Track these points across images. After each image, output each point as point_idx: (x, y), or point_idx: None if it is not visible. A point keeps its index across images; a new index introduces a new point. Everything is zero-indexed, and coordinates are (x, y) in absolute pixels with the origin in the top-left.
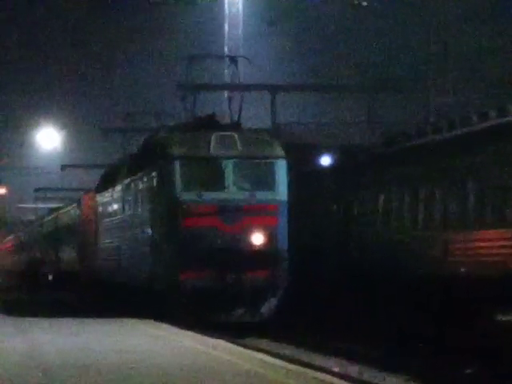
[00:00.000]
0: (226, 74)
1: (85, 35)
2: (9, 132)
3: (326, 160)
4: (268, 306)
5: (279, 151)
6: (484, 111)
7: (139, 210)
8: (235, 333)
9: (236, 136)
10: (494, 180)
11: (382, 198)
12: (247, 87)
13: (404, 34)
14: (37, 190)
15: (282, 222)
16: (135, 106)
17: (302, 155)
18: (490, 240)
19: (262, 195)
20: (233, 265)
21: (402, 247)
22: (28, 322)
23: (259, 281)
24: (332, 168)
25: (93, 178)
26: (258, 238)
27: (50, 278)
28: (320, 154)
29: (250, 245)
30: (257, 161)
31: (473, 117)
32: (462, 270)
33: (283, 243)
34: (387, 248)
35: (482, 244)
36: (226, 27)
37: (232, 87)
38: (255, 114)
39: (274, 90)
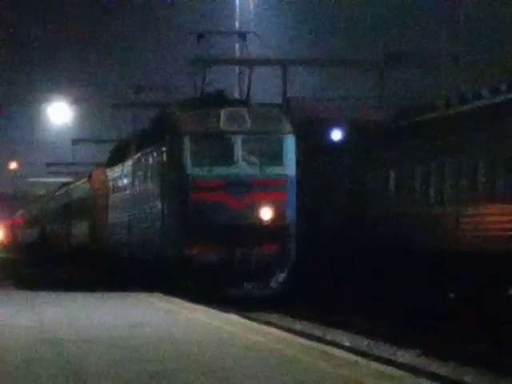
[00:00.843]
0: (237, 50)
1: (97, 11)
2: (20, 106)
3: (337, 135)
4: (276, 280)
5: (288, 127)
6: (495, 85)
7: (149, 184)
8: (246, 307)
9: (245, 111)
10: (505, 154)
11: (393, 173)
12: (258, 62)
13: (416, 7)
14: (48, 165)
15: (291, 196)
16: (146, 81)
17: (314, 130)
18: (501, 214)
19: (270, 170)
20: (241, 239)
21: (414, 222)
22: (39, 297)
23: (267, 255)
24: (344, 143)
25: (104, 152)
26: (266, 213)
27: (62, 252)
28: (332, 128)
29: (259, 219)
30: (266, 136)
31: (484, 91)
32: (474, 244)
33: (291, 218)
34: (399, 223)
35: (493, 218)
36: (237, 1)
37: (243, 62)
38: (268, 88)
39: (285, 64)
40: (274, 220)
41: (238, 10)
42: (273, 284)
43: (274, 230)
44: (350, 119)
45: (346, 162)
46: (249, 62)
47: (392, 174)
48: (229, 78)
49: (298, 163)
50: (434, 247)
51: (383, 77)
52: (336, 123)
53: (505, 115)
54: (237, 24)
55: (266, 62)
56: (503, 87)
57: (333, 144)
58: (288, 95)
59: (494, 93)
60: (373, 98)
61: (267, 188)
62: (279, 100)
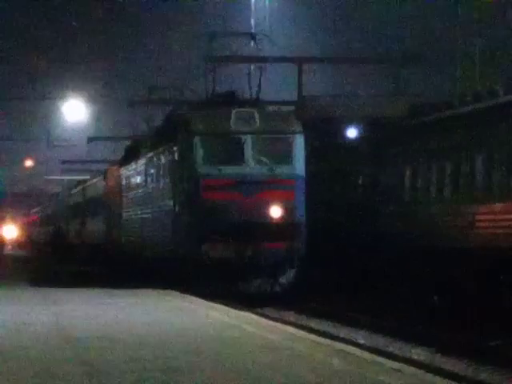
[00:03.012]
0: (252, 50)
1: (112, 8)
2: (35, 104)
3: (352, 132)
4: (286, 277)
5: (297, 127)
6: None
7: (161, 183)
8: (259, 303)
9: (255, 112)
10: None
11: (408, 170)
12: (273, 59)
13: (431, 5)
14: (63, 163)
15: (300, 195)
16: (160, 80)
17: (329, 127)
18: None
19: (279, 170)
20: (251, 237)
21: (431, 220)
22: (55, 294)
23: (277, 253)
24: (359, 140)
25: (119, 150)
26: (275, 212)
27: (78, 249)
28: (346, 126)
29: (268, 218)
30: (275, 136)
31: (499, 89)
32: (489, 241)
33: (301, 216)
34: (415, 221)
35: (508, 216)
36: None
37: (257, 59)
38: (284, 87)
39: (300, 62)
40: (283, 218)
41: (253, 7)
42: (282, 280)
43: (283, 228)
44: (365, 117)
45: (361, 159)
46: (263, 60)
47: (407, 172)
48: (240, 78)
49: (312, 160)
50: (449, 244)
51: (400, 75)
52: (350, 121)
53: None
54: (252, 22)
55: (281, 59)
56: None
57: (347, 141)
58: (304, 93)
59: (508, 91)
60: (388, 95)
61: (277, 187)
62: (295, 98)
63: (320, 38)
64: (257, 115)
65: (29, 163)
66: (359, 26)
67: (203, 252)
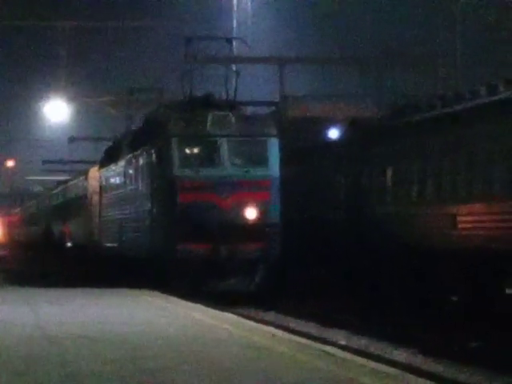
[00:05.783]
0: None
1: (91, 10)
2: (17, 104)
3: (334, 133)
4: (260, 277)
5: (272, 130)
6: (493, 83)
7: (139, 184)
8: (239, 304)
9: (231, 115)
10: (502, 152)
11: (390, 170)
12: (255, 60)
13: (413, 5)
14: (44, 163)
15: (274, 196)
16: (140, 82)
17: (310, 128)
18: (497, 213)
19: (255, 171)
20: (226, 237)
21: (411, 220)
22: (36, 294)
23: (251, 253)
24: (340, 141)
25: (100, 150)
26: (250, 212)
27: (58, 250)
28: (328, 126)
29: (243, 218)
30: (250, 139)
31: (481, 89)
32: (471, 243)
33: (275, 217)
34: (396, 221)
35: (490, 217)
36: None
37: (239, 60)
38: (266, 87)
39: (281, 62)
40: (258, 219)
41: (235, 8)
42: (257, 280)
43: (258, 229)
44: (347, 117)
45: (342, 160)
46: (244, 61)
47: (389, 172)
48: (220, 80)
49: (292, 162)
50: (431, 245)
51: (381, 75)
52: (332, 121)
53: (502, 113)
54: (234, 23)
55: (261, 60)
56: (500, 86)
57: (329, 142)
58: (285, 93)
59: (491, 90)
60: (369, 96)
61: (252, 188)
62: (276, 98)
63: (303, 38)
64: (232, 118)
65: (10, 164)
66: (342, 26)
67: (178, 252)
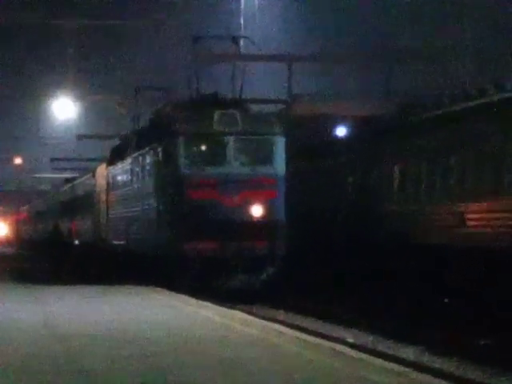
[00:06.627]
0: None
1: (99, 8)
2: (25, 102)
3: (341, 131)
4: (266, 275)
5: (278, 128)
6: (501, 83)
7: (146, 182)
8: (247, 302)
9: (237, 113)
10: (509, 149)
11: (398, 169)
12: (263, 58)
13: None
14: (52, 160)
15: (280, 195)
16: (147, 80)
17: (318, 126)
18: (506, 211)
19: (260, 170)
20: (233, 235)
21: (419, 218)
22: (44, 291)
23: (258, 251)
24: (348, 139)
25: (108, 148)
26: (256, 210)
27: (66, 247)
28: (336, 124)
29: (249, 216)
30: (256, 137)
31: (489, 87)
32: (479, 240)
33: (281, 215)
34: (403, 219)
35: (498, 215)
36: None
37: (247, 58)
38: (275, 85)
39: (289, 60)
40: (263, 217)
41: (242, 6)
42: (263, 277)
43: (263, 226)
44: (355, 115)
45: (349, 158)
46: (252, 58)
47: (396, 170)
48: (227, 78)
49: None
50: (437, 243)
51: (391, 72)
52: (340, 119)
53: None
54: (241, 21)
55: (270, 58)
56: (508, 84)
57: (336, 140)
58: (293, 92)
59: (499, 89)
60: (379, 93)
61: (258, 187)
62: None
63: (312, 36)
64: (239, 116)
65: (18, 161)
66: (354, 24)
67: (185, 250)
